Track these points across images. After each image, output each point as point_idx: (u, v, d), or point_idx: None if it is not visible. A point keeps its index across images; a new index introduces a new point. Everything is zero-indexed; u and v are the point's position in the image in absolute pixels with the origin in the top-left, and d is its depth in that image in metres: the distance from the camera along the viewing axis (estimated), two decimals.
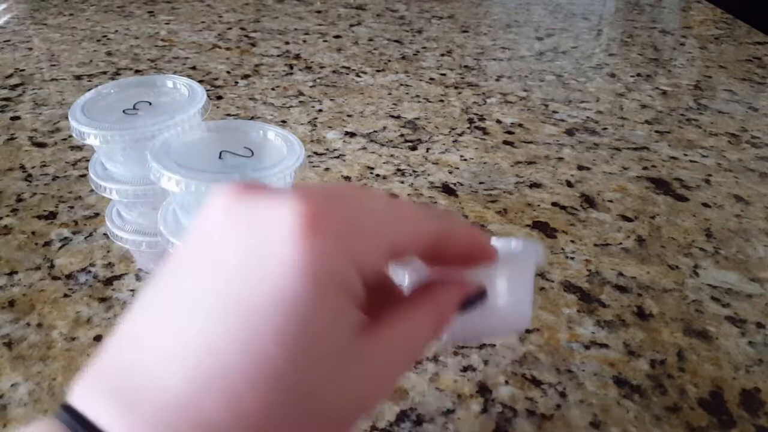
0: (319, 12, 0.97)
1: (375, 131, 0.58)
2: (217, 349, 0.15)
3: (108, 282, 0.38)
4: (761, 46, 0.85)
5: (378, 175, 0.50)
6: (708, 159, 0.54)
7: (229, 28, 0.87)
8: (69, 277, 0.38)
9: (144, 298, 0.17)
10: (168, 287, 0.16)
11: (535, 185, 0.50)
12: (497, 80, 0.71)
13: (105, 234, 0.42)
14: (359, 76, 0.71)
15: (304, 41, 0.83)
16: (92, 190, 0.46)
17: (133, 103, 0.34)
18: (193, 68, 0.72)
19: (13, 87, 0.65)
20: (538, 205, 0.47)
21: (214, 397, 0.15)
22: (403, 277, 0.22)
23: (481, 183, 0.50)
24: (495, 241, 0.22)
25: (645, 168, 0.53)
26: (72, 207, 0.45)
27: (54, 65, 0.72)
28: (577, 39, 0.87)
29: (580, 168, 0.52)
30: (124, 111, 0.33)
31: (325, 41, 0.83)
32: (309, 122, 0.59)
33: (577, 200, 0.48)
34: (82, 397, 0.15)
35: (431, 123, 0.60)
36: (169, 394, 0.15)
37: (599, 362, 0.33)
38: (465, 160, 0.53)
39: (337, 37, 0.85)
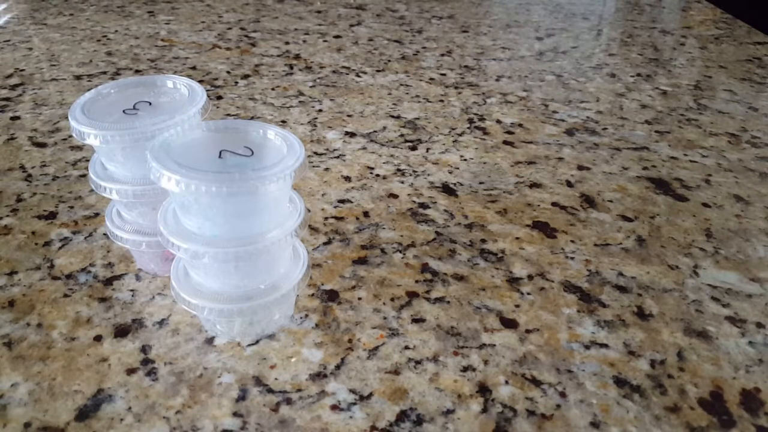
0: (319, 12, 0.97)
1: (375, 131, 0.58)
2: None
3: (108, 282, 0.38)
4: (761, 46, 0.85)
5: (378, 175, 0.50)
6: (708, 159, 0.54)
7: (229, 28, 0.87)
8: (69, 277, 0.38)
9: None
10: None
11: (535, 185, 0.50)
12: (497, 80, 0.71)
13: (105, 234, 0.42)
14: (359, 76, 0.71)
15: (304, 41, 0.83)
16: (92, 190, 0.46)
17: (133, 103, 0.34)
18: (193, 68, 0.72)
19: (13, 87, 0.65)
20: (538, 205, 0.47)
21: None
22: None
23: (481, 183, 0.50)
24: None
25: (645, 168, 0.53)
26: (72, 207, 0.45)
27: (54, 65, 0.72)
28: (577, 39, 0.87)
29: (580, 168, 0.52)
30: (124, 111, 0.33)
31: (325, 41, 0.83)
32: (309, 122, 0.59)
33: (577, 200, 0.48)
34: None
35: (431, 123, 0.60)
36: None
37: (599, 362, 0.33)
38: (465, 160, 0.53)
39: (337, 37, 0.85)
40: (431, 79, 0.71)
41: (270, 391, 0.31)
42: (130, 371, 0.31)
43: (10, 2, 0.98)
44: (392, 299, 0.37)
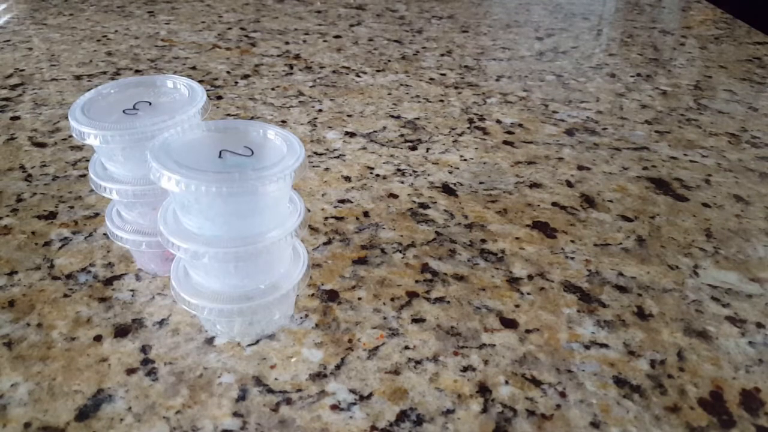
0: (319, 12, 0.97)
1: (375, 131, 0.58)
2: None
3: (108, 282, 0.38)
4: (761, 46, 0.85)
5: (378, 175, 0.50)
6: (708, 159, 0.54)
7: (229, 28, 0.87)
8: (69, 277, 0.38)
9: None
10: None
11: (535, 185, 0.50)
12: (497, 80, 0.71)
13: (105, 234, 0.42)
14: (359, 76, 0.71)
15: (304, 41, 0.83)
16: (92, 190, 0.46)
17: (133, 103, 0.34)
18: (193, 68, 0.72)
19: (13, 87, 0.65)
20: (538, 205, 0.47)
21: None
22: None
23: (481, 183, 0.50)
24: None
25: (645, 168, 0.53)
26: (72, 207, 0.45)
27: (54, 65, 0.72)
28: (577, 39, 0.87)
29: (580, 168, 0.52)
30: (124, 111, 0.33)
31: (325, 41, 0.83)
32: (309, 122, 0.59)
33: (577, 200, 0.48)
34: None
35: (431, 123, 0.60)
36: None
37: (599, 362, 0.33)
38: (465, 160, 0.53)
39: (337, 37, 0.85)
40: (431, 79, 0.71)
41: (270, 391, 0.31)
42: (130, 371, 0.31)
43: (10, 2, 0.98)
44: (392, 299, 0.37)
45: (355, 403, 0.30)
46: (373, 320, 0.35)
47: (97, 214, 0.44)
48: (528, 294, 0.38)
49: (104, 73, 0.70)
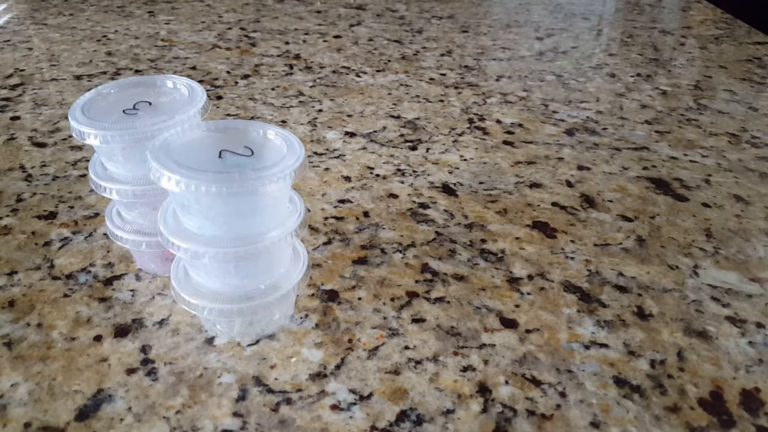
0: (319, 12, 0.97)
1: (375, 131, 0.58)
2: None
3: (108, 282, 0.38)
4: (761, 46, 0.85)
5: (378, 175, 0.50)
6: (708, 159, 0.54)
7: (229, 28, 0.87)
8: (69, 277, 0.38)
9: None
10: None
11: (535, 185, 0.50)
12: (497, 80, 0.71)
13: (105, 234, 0.42)
14: (359, 76, 0.71)
15: (304, 41, 0.83)
16: (92, 190, 0.46)
17: (133, 103, 0.34)
18: (193, 68, 0.72)
19: (13, 87, 0.65)
20: (538, 205, 0.47)
21: None
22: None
23: (481, 183, 0.50)
24: None
25: (645, 168, 0.53)
26: (72, 207, 0.45)
27: (54, 65, 0.72)
28: (577, 39, 0.87)
29: (580, 168, 0.52)
30: (124, 111, 0.33)
31: (325, 41, 0.83)
32: (309, 122, 0.59)
33: (577, 200, 0.48)
34: None
35: (431, 123, 0.60)
36: None
37: (599, 362, 0.33)
38: (465, 160, 0.53)
39: (337, 37, 0.85)
40: (431, 79, 0.71)
41: (270, 391, 0.31)
42: (130, 371, 0.31)
43: (10, 2, 0.98)
44: (392, 299, 0.37)
45: (355, 403, 0.30)
46: (373, 320, 0.35)
47: (97, 214, 0.44)
48: (528, 294, 0.38)
49: (104, 73, 0.70)
